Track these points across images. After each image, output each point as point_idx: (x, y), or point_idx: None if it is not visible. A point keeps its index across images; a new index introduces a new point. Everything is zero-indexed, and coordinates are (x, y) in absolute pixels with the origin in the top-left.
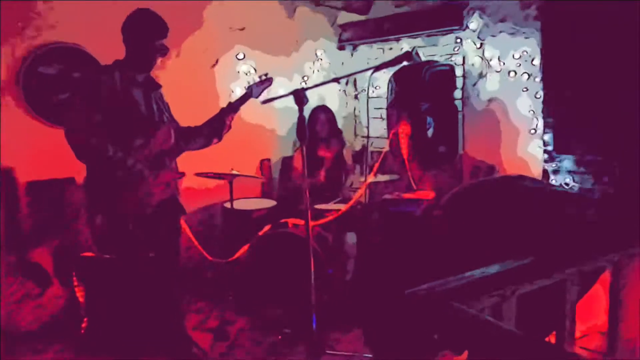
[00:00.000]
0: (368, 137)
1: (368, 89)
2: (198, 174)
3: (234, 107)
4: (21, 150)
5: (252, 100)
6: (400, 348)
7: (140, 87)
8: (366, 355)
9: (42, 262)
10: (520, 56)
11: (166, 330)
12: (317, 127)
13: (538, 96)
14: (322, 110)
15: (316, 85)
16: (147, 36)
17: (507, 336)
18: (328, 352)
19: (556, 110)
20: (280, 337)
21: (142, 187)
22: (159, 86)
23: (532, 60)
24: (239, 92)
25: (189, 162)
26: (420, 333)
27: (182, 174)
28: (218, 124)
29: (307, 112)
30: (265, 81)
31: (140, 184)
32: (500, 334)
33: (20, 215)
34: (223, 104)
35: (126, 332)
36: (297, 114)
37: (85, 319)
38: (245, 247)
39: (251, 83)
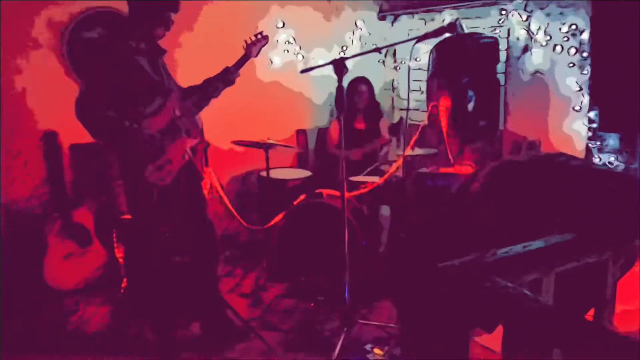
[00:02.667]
0: (407, 109)
1: (410, 59)
2: (235, 142)
3: (234, 69)
4: (64, 113)
5: (291, 69)
6: (431, 322)
7: (145, 54)
8: (398, 325)
9: (85, 223)
10: (568, 30)
11: (201, 293)
12: (355, 99)
13: (585, 72)
14: (361, 81)
15: (356, 55)
16: (156, 7)
17: (544, 311)
18: (360, 321)
19: (603, 87)
20: (313, 304)
21: (160, 154)
22: (164, 51)
23: (581, 34)
24: (277, 61)
25: (227, 130)
26: (452, 307)
27: (205, 142)
28: (220, 84)
29: (345, 83)
30: (262, 39)
31: (158, 152)
32: (537, 308)
33: (64, 177)
34: (260, 73)
35: (163, 293)
36: (334, 84)
37: (124, 279)
38: (280, 216)
39: (248, 42)
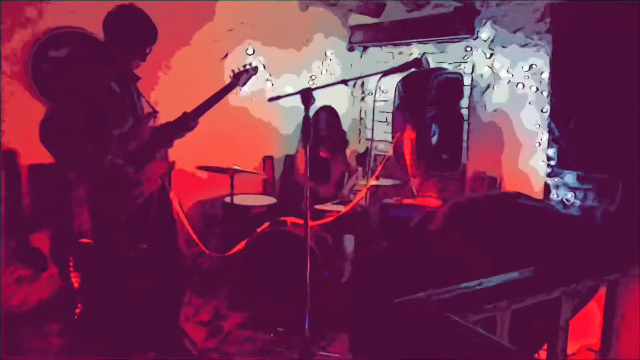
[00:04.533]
0: (372, 140)
1: (375, 92)
2: (200, 167)
3: (219, 96)
4: (25, 132)
5: (260, 97)
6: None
7: (119, 80)
8: (357, 358)
9: (41, 247)
10: (529, 69)
11: (159, 322)
12: (320, 128)
13: (544, 110)
14: (326, 110)
15: (324, 86)
16: (134, 42)
17: (499, 350)
18: (321, 353)
19: (561, 125)
20: (272, 335)
21: (128, 180)
22: (138, 78)
23: (541, 73)
24: (246, 88)
25: (192, 154)
26: (409, 343)
27: (171, 164)
28: (202, 110)
29: (312, 111)
30: (251, 69)
31: (125, 178)
32: (492, 347)
33: (22, 199)
34: (230, 97)
35: (119, 321)
36: (302, 113)
37: (79, 305)
38: (243, 243)
39: (236, 71)
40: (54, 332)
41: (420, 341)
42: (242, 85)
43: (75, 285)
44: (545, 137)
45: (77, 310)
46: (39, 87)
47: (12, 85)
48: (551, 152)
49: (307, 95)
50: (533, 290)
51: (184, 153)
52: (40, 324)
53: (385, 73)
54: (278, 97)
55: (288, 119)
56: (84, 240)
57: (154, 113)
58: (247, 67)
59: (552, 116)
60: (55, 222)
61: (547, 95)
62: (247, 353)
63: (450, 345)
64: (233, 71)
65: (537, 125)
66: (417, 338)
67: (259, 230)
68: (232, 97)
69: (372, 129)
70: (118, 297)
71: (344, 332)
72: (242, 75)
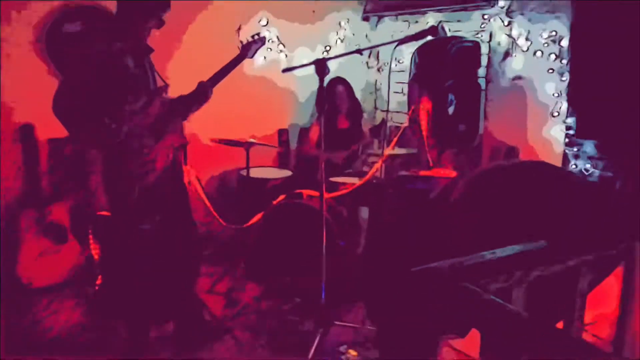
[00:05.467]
0: (387, 110)
1: (391, 62)
2: (215, 140)
3: (229, 68)
4: (42, 107)
5: (274, 67)
6: (404, 326)
7: (132, 53)
8: (373, 327)
9: (60, 219)
10: (548, 36)
11: (178, 293)
12: (334, 99)
13: (564, 78)
14: (340, 81)
15: (338, 56)
16: (148, 8)
17: (515, 319)
18: (336, 322)
19: (581, 93)
20: (289, 305)
21: (142, 153)
22: (151, 50)
23: (561, 40)
24: (260, 59)
25: (207, 127)
26: (423, 311)
27: (185, 140)
28: (194, 103)
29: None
30: (258, 40)
31: (140, 150)
32: (508, 316)
33: (40, 172)
34: (245, 68)
35: (138, 291)
36: (317, 84)
37: (99, 277)
38: (259, 215)
39: (244, 42)
40: (74, 303)
41: (435, 309)
42: (252, 56)
43: (95, 257)
44: (564, 106)
45: (97, 282)
46: (54, 61)
47: (27, 59)
48: (570, 120)
49: (321, 66)
50: (549, 259)
51: (200, 126)
52: (61, 295)
53: (401, 42)
54: (292, 68)
55: (303, 90)
56: (102, 212)
57: (166, 86)
58: (255, 37)
59: (572, 84)
60: (74, 195)
61: (567, 63)
62: (264, 323)
63: (466, 313)
64: (242, 42)
65: (556, 94)
66: (433, 306)
67: (274, 202)
68: (247, 69)
69: (388, 100)
70: (136, 268)
71: (360, 301)
72: (251, 46)
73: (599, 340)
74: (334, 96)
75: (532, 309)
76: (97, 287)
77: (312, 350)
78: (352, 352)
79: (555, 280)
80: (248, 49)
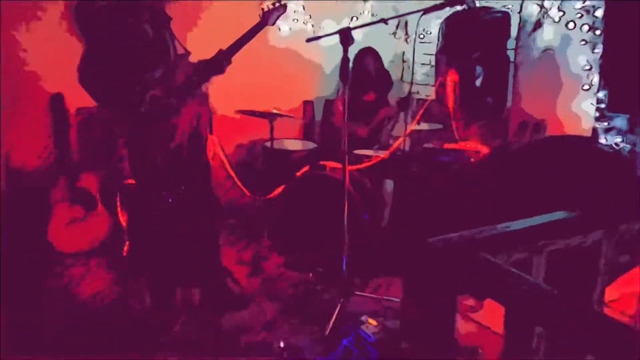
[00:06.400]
0: (412, 83)
1: (416, 31)
2: (239, 112)
3: (249, 36)
4: (71, 76)
5: (300, 37)
6: (424, 294)
7: (152, 21)
8: (392, 298)
9: (90, 187)
10: (582, 6)
11: (202, 260)
12: (362, 70)
13: (596, 50)
14: (369, 52)
15: (363, 25)
16: None
17: (534, 290)
18: (357, 293)
19: (614, 66)
20: (312, 275)
21: (165, 119)
22: (170, 19)
23: (595, 11)
24: (286, 29)
25: (232, 98)
26: (444, 281)
27: (210, 111)
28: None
29: (353, 54)
30: (280, 7)
31: (163, 116)
32: (526, 287)
33: (70, 141)
34: (270, 39)
35: (164, 259)
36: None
37: (127, 243)
38: (283, 187)
39: (265, 9)
40: (103, 269)
41: (453, 280)
42: (272, 24)
43: (123, 224)
44: (595, 78)
45: (125, 248)
46: (81, 30)
47: (57, 28)
48: (602, 94)
49: (346, 35)
50: (569, 231)
51: (225, 97)
52: (90, 261)
53: (426, 11)
54: (317, 38)
55: (329, 61)
56: (129, 181)
57: (187, 53)
58: (277, 4)
59: (605, 56)
60: (103, 163)
61: (600, 34)
62: (286, 292)
63: (483, 283)
64: (262, 9)
65: (588, 67)
66: (451, 277)
67: (298, 174)
68: (272, 40)
69: (412, 71)
70: (161, 236)
71: (381, 273)
72: (273, 13)
73: (625, 317)
74: (361, 67)
75: (553, 284)
76: (124, 254)
77: (333, 319)
78: (372, 322)
79: (578, 256)
80: (269, 17)
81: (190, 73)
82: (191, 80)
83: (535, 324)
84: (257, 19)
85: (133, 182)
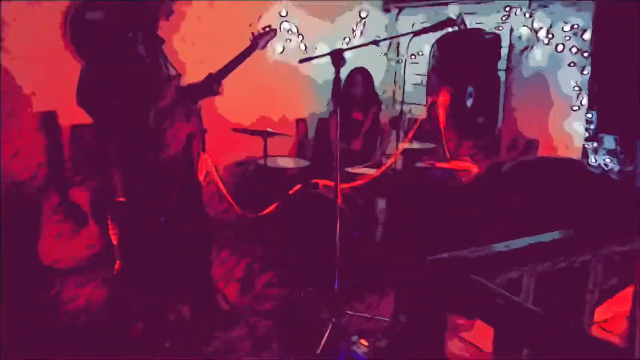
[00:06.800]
0: (402, 102)
1: (407, 53)
2: (234, 130)
3: (239, 59)
4: (64, 94)
5: (294, 55)
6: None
7: (145, 43)
8: (384, 318)
9: (81, 203)
10: (570, 29)
11: (193, 278)
12: (354, 89)
13: (585, 72)
14: (360, 72)
15: (355, 47)
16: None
17: (523, 313)
18: (349, 312)
19: (602, 88)
20: (302, 294)
21: (154, 140)
22: (163, 41)
23: (583, 34)
24: (278, 48)
25: (226, 115)
26: (434, 300)
27: (200, 127)
28: (199, 94)
29: (345, 74)
30: (270, 32)
31: (155, 136)
32: (515, 310)
33: (63, 157)
34: (262, 58)
35: (155, 277)
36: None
37: (117, 262)
38: (276, 204)
39: (255, 34)
40: (93, 286)
41: (444, 299)
42: (262, 48)
43: (114, 241)
44: (585, 99)
45: (116, 266)
46: (77, 49)
47: (52, 45)
48: (590, 115)
49: (338, 57)
50: (560, 253)
51: (219, 114)
52: (80, 277)
53: (417, 33)
54: (309, 59)
55: (322, 79)
56: (120, 199)
57: (178, 75)
58: (267, 29)
59: (593, 78)
60: (94, 180)
61: (588, 56)
62: (277, 310)
63: (473, 304)
64: (253, 34)
65: (577, 88)
66: (441, 296)
67: (291, 192)
68: (267, 58)
69: (403, 91)
70: (152, 254)
71: (373, 292)
72: (262, 37)
73: (614, 336)
74: (352, 86)
75: (543, 304)
76: (115, 272)
77: (325, 339)
78: (364, 342)
79: (568, 276)
80: (259, 41)
81: (182, 95)
82: (182, 102)
83: (523, 345)
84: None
85: (124, 199)
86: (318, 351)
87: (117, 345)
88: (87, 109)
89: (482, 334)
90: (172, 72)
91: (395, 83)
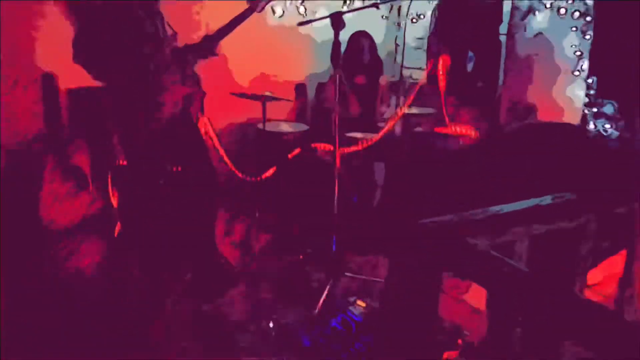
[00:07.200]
0: (402, 66)
1: (407, 16)
2: (233, 94)
3: (236, 22)
4: (63, 57)
5: (293, 18)
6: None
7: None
8: (381, 280)
9: (81, 166)
10: None
11: (195, 240)
12: (355, 53)
13: (587, 37)
14: (362, 35)
15: (355, 10)
16: None
17: (515, 275)
18: (346, 274)
19: (604, 53)
20: (301, 256)
21: (151, 101)
22: None
23: None
24: (278, 12)
25: (225, 78)
26: (428, 261)
27: (199, 90)
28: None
29: (346, 37)
30: None
31: (149, 98)
32: (507, 271)
33: (61, 120)
34: (262, 21)
35: (155, 239)
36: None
37: (118, 224)
38: (274, 168)
39: None
40: (93, 250)
41: (438, 260)
42: (260, 11)
43: (114, 204)
44: (586, 65)
45: (116, 229)
46: (73, 10)
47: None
48: (591, 80)
49: (337, 19)
50: (555, 216)
51: (218, 78)
52: (80, 241)
53: None
54: (308, 22)
55: (323, 40)
56: (121, 162)
57: (175, 34)
58: None
59: (595, 43)
60: (94, 144)
61: (591, 21)
62: (276, 273)
63: (467, 265)
64: None
65: (579, 53)
66: (436, 257)
67: (290, 156)
68: (265, 20)
69: (403, 55)
70: (153, 217)
71: (370, 255)
72: (260, 1)
73: (606, 299)
74: (354, 50)
75: (536, 266)
76: (115, 235)
77: (322, 299)
78: (361, 303)
79: (561, 240)
80: (257, 4)
81: (178, 56)
82: (178, 62)
83: (515, 307)
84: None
85: (124, 163)
86: (316, 311)
87: (114, 309)
88: (85, 65)
89: (477, 294)
90: (169, 31)
91: (395, 47)
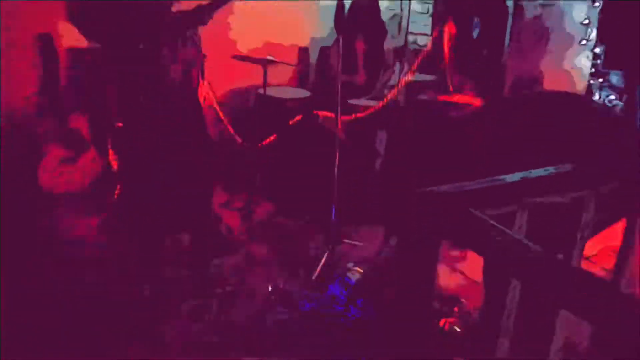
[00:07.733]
0: (407, 32)
1: None
2: (234, 57)
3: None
4: (61, 16)
5: None
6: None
7: None
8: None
9: (80, 129)
10: None
11: (194, 205)
12: (358, 17)
13: (596, 5)
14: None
15: None
16: None
17: (515, 245)
18: (345, 241)
19: (613, 22)
20: (301, 223)
21: (154, 61)
22: None
23: None
24: None
25: (226, 43)
26: (427, 229)
27: (199, 53)
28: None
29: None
30: None
31: (152, 58)
32: (507, 242)
33: (60, 81)
34: None
35: (156, 203)
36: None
37: (118, 186)
38: (275, 135)
39: None
40: (93, 212)
41: (437, 229)
42: None
43: (114, 166)
44: (594, 34)
45: (116, 192)
46: None
47: None
48: (599, 50)
49: None
50: (554, 188)
51: (219, 42)
52: (80, 204)
53: None
54: None
55: (325, 8)
56: (119, 124)
57: None
58: None
59: (604, 11)
60: (93, 105)
61: None
62: (276, 239)
63: (465, 234)
64: None
65: (587, 21)
66: (434, 226)
67: (291, 122)
68: None
69: (408, 20)
70: (153, 180)
71: (369, 223)
72: None
73: (603, 271)
74: (357, 15)
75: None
76: (115, 197)
77: (320, 265)
78: (359, 269)
79: (560, 211)
80: None
81: (173, 21)
82: (173, 27)
83: (512, 276)
84: None
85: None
86: (314, 277)
87: (113, 273)
88: (79, 26)
89: (473, 265)
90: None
91: (400, 11)
